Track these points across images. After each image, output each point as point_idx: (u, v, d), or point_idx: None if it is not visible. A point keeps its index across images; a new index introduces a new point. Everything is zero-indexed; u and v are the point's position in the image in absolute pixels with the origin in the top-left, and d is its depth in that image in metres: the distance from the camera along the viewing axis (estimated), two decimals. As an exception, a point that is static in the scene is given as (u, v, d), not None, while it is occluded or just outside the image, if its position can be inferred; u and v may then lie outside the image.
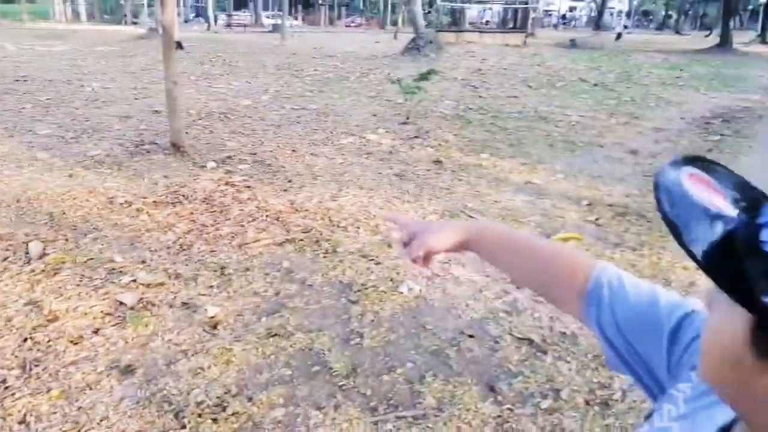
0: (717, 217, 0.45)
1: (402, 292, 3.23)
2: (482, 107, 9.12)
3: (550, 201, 4.82)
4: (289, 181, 5.20)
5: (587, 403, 2.34)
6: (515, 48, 23.23)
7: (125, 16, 45.19)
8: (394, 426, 2.19)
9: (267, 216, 4.32)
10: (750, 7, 57.80)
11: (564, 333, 2.85)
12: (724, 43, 25.38)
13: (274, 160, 5.87)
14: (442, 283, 3.36)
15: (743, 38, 31.02)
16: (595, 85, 12.39)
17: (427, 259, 0.96)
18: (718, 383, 0.49)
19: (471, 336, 2.82)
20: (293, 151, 6.25)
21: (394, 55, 17.88)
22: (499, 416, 2.26)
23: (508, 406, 2.32)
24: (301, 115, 8.31)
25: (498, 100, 9.98)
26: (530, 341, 2.78)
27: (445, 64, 15.38)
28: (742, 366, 0.45)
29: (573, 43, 25.42)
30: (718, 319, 0.48)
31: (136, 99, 9.09)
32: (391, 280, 3.37)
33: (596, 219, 4.44)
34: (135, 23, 41.19)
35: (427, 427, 2.19)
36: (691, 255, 0.45)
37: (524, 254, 0.88)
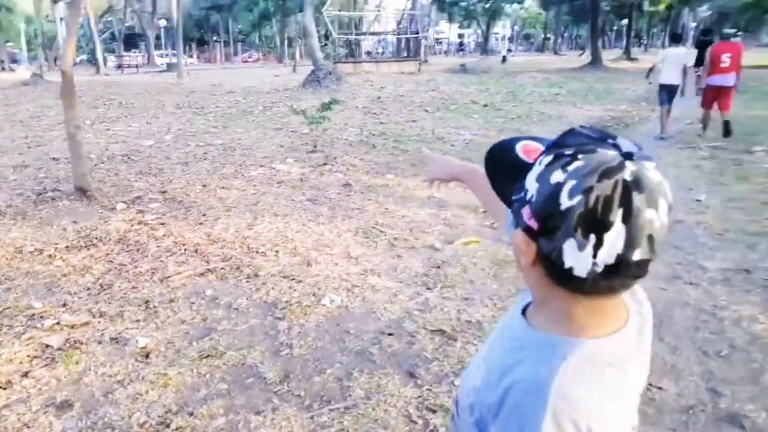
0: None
1: (325, 305, 3.48)
2: (384, 132, 9.61)
3: (451, 212, 5.28)
4: (203, 214, 5.32)
5: (493, 375, 2.70)
6: (410, 75, 24.35)
7: (2, 62, 42.55)
8: (328, 417, 2.44)
9: (185, 249, 4.43)
10: (615, 27, 64.00)
11: (470, 321, 3.23)
12: (596, 60, 28.05)
13: (185, 196, 5.94)
14: (361, 292, 3.66)
15: (611, 55, 34.33)
16: (485, 105, 13.35)
17: (436, 183, 1.39)
18: (518, 262, 0.80)
19: (390, 334, 3.12)
20: (204, 186, 6.35)
21: (295, 87, 18.22)
22: (420, 396, 2.57)
23: (427, 387, 2.63)
24: (207, 151, 8.38)
25: (398, 125, 10.54)
26: (442, 332, 3.12)
27: (346, 93, 15.91)
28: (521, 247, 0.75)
29: (463, 68, 27.03)
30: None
31: (29, 147, 8.76)
32: (314, 295, 3.62)
33: (492, 223, 4.93)
34: (13, 70, 38.88)
35: (359, 413, 2.46)
36: (503, 196, 0.80)
37: (487, 188, 1.22)
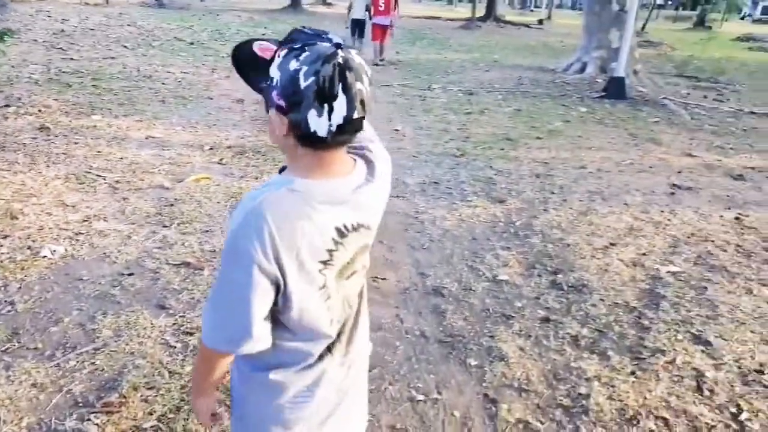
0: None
1: (45, 257, 3.14)
2: (78, 70, 8.48)
3: (175, 151, 5.11)
4: None
5: (244, 293, 2.89)
6: (97, 7, 21.40)
7: None
8: (77, 362, 2.31)
9: None
10: (310, -28, 65.84)
11: (214, 251, 3.31)
12: (296, 4, 28.74)
13: None
14: (87, 239, 3.38)
15: (310, 0, 35.55)
16: (191, 43, 12.74)
17: None
18: (272, 134, 1.01)
19: (131, 274, 3.02)
20: None
21: (-60, 14, 14.43)
22: (175, 323, 2.61)
23: (180, 314, 2.68)
24: None
25: (94, 61, 9.37)
26: (187, 264, 3.15)
27: (16, 24, 13.29)
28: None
29: (160, 3, 24.87)
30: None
31: None
32: (29, 248, 3.22)
33: (220, 160, 4.97)
34: None
35: (111, 351, 2.38)
36: (252, 85, 1.00)
37: None
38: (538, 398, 2.30)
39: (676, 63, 14.03)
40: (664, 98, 9.11)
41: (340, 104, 0.89)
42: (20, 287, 2.83)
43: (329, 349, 1.09)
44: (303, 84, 0.88)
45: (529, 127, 6.94)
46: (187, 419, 2.05)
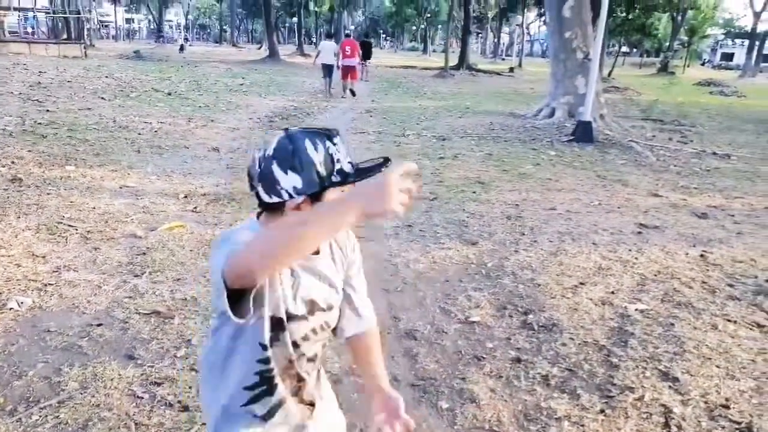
0: None
1: (12, 308, 3.09)
2: (54, 121, 8.51)
3: (150, 199, 5.11)
4: None
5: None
6: (76, 60, 21.65)
7: None
8: (40, 416, 2.26)
9: None
10: (287, 24, 67.84)
11: (185, 299, 3.29)
12: (273, 54, 29.41)
13: None
14: (56, 290, 3.35)
15: (287, 51, 36.41)
16: (169, 94, 12.89)
17: None
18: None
19: (99, 325, 2.98)
20: None
21: None
22: (143, 374, 2.57)
23: (149, 365, 2.64)
24: None
25: (70, 113, 9.43)
26: (157, 313, 3.12)
27: (-8, 77, 13.36)
28: None
29: (138, 55, 25.28)
30: None
31: None
32: (-6, 300, 3.17)
33: (194, 208, 4.98)
34: None
35: (76, 404, 2.33)
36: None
37: None
38: (510, 439, 2.30)
39: (642, 107, 14.57)
40: (630, 141, 9.42)
41: None
42: (-16, 341, 2.77)
43: None
44: None
45: (501, 171, 7.11)
46: (153, 472, 2.00)
